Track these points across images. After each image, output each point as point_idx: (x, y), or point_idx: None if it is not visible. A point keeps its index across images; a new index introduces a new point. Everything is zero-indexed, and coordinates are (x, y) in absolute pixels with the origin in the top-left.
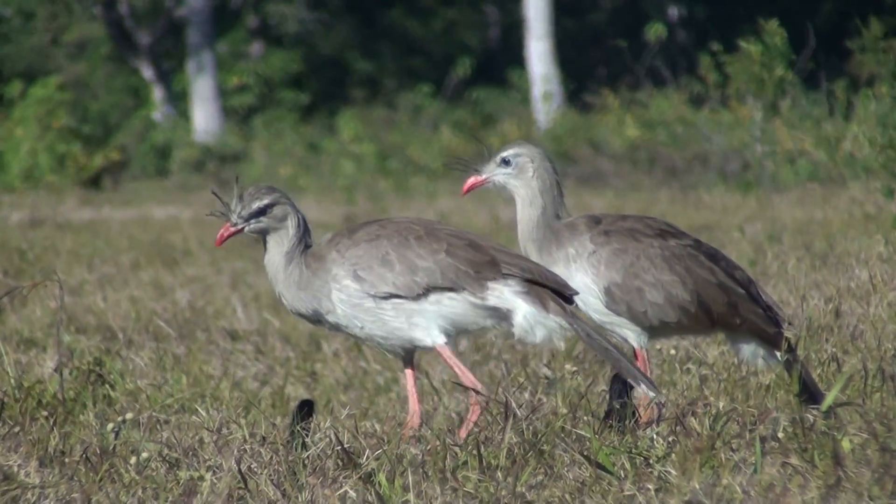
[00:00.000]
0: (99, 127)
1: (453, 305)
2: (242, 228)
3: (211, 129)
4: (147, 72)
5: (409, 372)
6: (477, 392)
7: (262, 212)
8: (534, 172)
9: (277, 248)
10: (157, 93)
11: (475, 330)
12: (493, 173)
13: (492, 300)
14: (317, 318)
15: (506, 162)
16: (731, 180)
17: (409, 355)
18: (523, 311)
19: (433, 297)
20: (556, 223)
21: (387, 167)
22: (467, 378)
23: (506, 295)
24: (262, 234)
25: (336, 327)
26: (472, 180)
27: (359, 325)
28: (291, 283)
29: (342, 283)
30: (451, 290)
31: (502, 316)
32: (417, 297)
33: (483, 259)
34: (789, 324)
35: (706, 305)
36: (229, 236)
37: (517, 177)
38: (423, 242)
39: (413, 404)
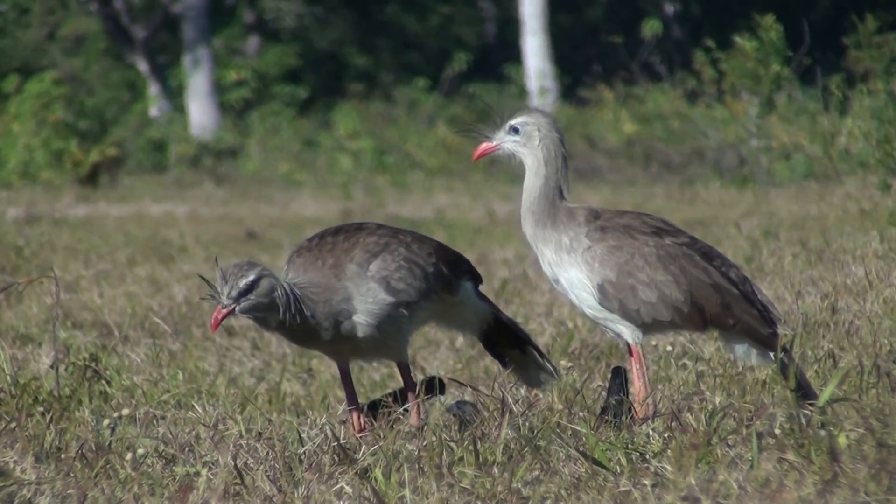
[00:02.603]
0: (95, 122)
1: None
2: (234, 309)
3: (207, 125)
4: (143, 67)
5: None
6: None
7: (249, 289)
8: (539, 141)
9: (271, 326)
10: (153, 88)
11: None
12: (503, 140)
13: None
14: None
15: (514, 130)
16: (727, 175)
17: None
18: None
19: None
20: (559, 202)
21: (384, 162)
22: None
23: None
24: (254, 314)
25: None
26: (483, 146)
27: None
28: None
29: None
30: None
31: None
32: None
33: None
34: (784, 323)
35: (699, 305)
36: (223, 319)
37: (525, 145)
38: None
39: None
